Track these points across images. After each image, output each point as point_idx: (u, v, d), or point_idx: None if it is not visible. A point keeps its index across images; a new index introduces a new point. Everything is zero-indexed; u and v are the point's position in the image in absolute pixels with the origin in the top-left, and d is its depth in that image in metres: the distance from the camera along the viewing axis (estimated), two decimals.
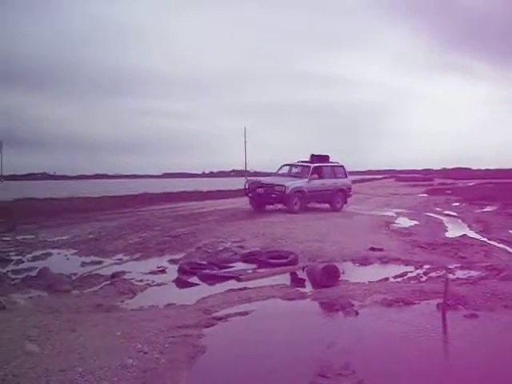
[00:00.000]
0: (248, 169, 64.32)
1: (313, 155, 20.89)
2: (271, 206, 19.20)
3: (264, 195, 18.57)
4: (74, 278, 7.95)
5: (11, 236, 13.51)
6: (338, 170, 20.83)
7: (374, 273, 8.06)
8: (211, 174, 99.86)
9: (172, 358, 4.38)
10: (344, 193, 20.53)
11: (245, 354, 4.62)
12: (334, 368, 4.07)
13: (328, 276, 7.24)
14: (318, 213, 17.93)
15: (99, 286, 7.44)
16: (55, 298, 6.61)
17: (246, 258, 9.19)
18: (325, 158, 20.85)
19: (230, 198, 27.83)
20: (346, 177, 21.19)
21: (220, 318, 5.54)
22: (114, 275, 8.01)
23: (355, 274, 7.82)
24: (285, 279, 7.69)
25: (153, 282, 7.79)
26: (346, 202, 20.74)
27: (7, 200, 25.73)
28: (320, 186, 19.41)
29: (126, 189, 35.60)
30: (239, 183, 30.39)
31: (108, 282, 7.61)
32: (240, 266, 8.77)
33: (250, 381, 4.04)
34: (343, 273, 7.52)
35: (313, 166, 19.69)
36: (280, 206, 18.85)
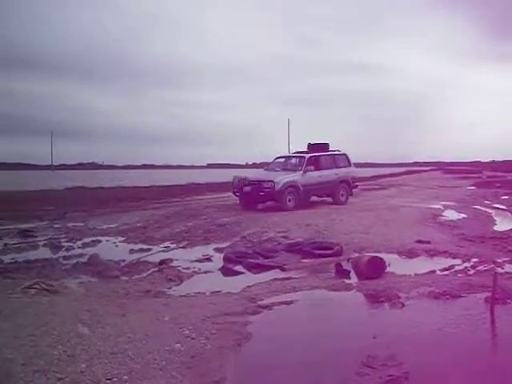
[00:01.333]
0: None
1: (310, 144, 19.12)
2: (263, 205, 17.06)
3: (252, 194, 16.47)
4: (122, 264, 8.17)
5: (62, 223, 13.95)
6: (340, 159, 18.73)
7: (420, 265, 7.95)
8: (254, 165, 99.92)
9: (218, 344, 4.45)
10: (348, 184, 18.46)
11: (290, 343, 4.65)
12: (380, 359, 4.06)
13: (373, 268, 7.19)
14: (363, 204, 17.65)
15: (147, 273, 7.62)
16: (105, 284, 6.80)
17: (291, 248, 9.21)
18: (324, 147, 18.82)
19: None
20: (350, 165, 19.04)
21: (265, 307, 5.59)
22: (161, 262, 8.19)
23: (401, 267, 7.74)
24: (330, 270, 7.68)
25: (199, 269, 7.93)
26: (351, 194, 18.77)
27: (58, 189, 26.49)
28: (318, 179, 17.46)
29: (172, 179, 36.00)
30: None
31: (156, 269, 7.79)
32: (284, 255, 8.80)
33: (295, 369, 4.07)
34: (389, 265, 7.44)
35: (308, 156, 17.69)
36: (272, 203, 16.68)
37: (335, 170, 18.22)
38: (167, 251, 9.55)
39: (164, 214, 15.33)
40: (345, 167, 18.67)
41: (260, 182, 16.58)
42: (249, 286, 6.65)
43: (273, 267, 7.88)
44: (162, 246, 10.21)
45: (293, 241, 9.86)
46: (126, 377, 3.67)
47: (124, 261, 8.41)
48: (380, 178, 43.22)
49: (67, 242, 10.74)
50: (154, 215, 14.97)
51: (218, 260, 8.61)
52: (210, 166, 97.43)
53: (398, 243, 9.62)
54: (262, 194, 16.25)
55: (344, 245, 9.23)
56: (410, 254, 8.86)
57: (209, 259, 8.75)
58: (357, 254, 8.39)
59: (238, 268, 7.97)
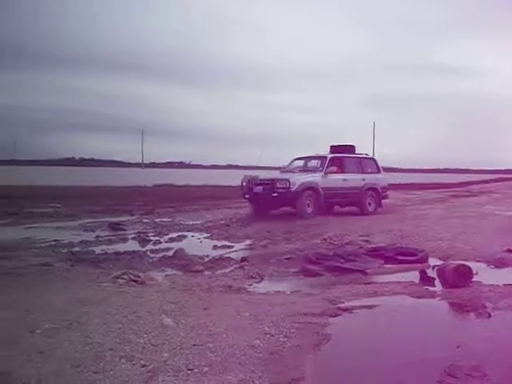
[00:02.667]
0: None
1: (332, 146, 17.07)
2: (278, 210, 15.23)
3: (263, 195, 14.33)
4: (206, 259, 8.37)
5: (150, 218, 14.53)
6: (368, 164, 16.91)
7: (509, 276, 7.61)
8: None
9: (297, 343, 4.47)
10: (376, 192, 16.55)
11: (369, 347, 4.59)
12: (464, 369, 3.93)
13: (460, 276, 6.94)
14: (451, 211, 17.03)
15: (229, 269, 7.76)
16: (189, 278, 6.99)
17: (373, 253, 9.07)
18: (349, 149, 16.89)
19: None
20: (379, 172, 17.10)
21: (345, 309, 5.54)
22: (243, 259, 8.32)
23: (489, 276, 7.41)
24: (413, 277, 7.49)
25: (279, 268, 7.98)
26: (380, 205, 16.76)
27: (148, 186, 27.50)
28: (342, 183, 15.51)
29: None
30: None
31: (238, 266, 7.93)
32: (366, 260, 8.68)
33: (373, 373, 4.02)
34: (476, 274, 7.17)
35: (330, 156, 15.80)
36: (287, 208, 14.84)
37: (362, 176, 16.41)
38: (249, 249, 9.71)
39: (248, 212, 15.56)
40: (373, 173, 16.84)
41: (273, 181, 14.48)
42: (329, 288, 6.61)
43: (354, 271, 7.79)
44: (243, 243, 10.38)
45: (375, 245, 9.71)
46: (206, 368, 3.76)
47: (207, 256, 8.63)
48: (470, 185, 41.61)
49: (155, 236, 11.16)
50: (237, 214, 15.26)
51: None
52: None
53: (487, 252, 9.23)
54: (275, 195, 14.05)
55: (429, 251, 8.98)
56: (499, 263, 8.47)
57: (289, 259, 8.78)
58: (443, 262, 8.13)
59: (319, 269, 7.95)
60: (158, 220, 14.11)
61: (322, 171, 15.14)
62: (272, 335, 4.57)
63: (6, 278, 6.42)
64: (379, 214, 15.62)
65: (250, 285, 6.78)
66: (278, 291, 6.42)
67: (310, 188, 14.49)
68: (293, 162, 16.78)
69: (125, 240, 10.66)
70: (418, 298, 6.23)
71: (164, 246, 9.88)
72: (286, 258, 8.78)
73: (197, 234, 11.60)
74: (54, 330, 4.18)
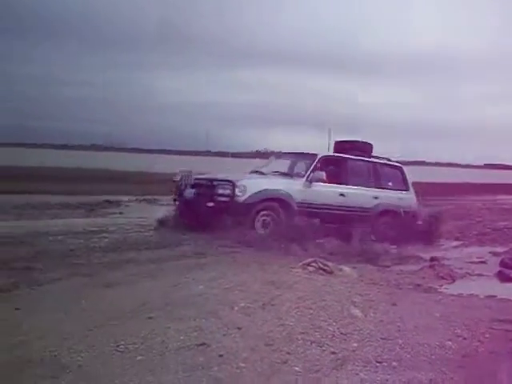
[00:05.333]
0: None
1: (338, 142, 11.47)
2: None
3: (194, 203, 9.34)
4: (394, 255, 8.28)
5: None
6: (388, 174, 11.19)
7: None
8: None
9: (491, 349, 4.22)
10: (397, 218, 10.61)
11: None
12: None
13: None
14: None
15: (418, 267, 7.58)
16: (376, 272, 6.99)
17: None
18: (361, 148, 11.08)
19: None
20: (407, 189, 11.22)
21: None
22: (432, 258, 8.07)
23: None
24: None
25: (472, 271, 7.60)
26: (407, 241, 9.82)
27: None
28: (335, 199, 9.95)
29: (446, 177, 34.83)
30: None
31: (427, 264, 7.70)
32: None
33: None
34: None
35: (321, 155, 10.27)
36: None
37: (374, 191, 10.68)
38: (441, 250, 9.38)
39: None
40: (395, 190, 11.02)
41: (212, 182, 9.55)
42: None
43: None
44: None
45: None
46: (395, 363, 3.73)
47: (395, 252, 8.53)
48: None
49: None
50: None
51: (494, 264, 8.12)
52: (487, 166, 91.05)
53: None
54: (210, 205, 8.96)
55: None
56: None
57: (483, 262, 8.32)
58: None
59: None
60: None
61: (303, 177, 9.87)
62: (464, 338, 4.38)
63: (204, 256, 6.97)
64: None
65: (441, 285, 6.57)
66: (471, 294, 6.12)
67: (272, 200, 9.33)
68: (270, 161, 11.54)
69: None
70: None
71: None
72: (480, 261, 8.33)
73: None
74: (250, 309, 4.46)
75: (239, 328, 3.99)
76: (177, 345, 3.58)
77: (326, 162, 10.32)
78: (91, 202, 14.32)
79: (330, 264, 6.35)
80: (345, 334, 4.13)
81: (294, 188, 9.55)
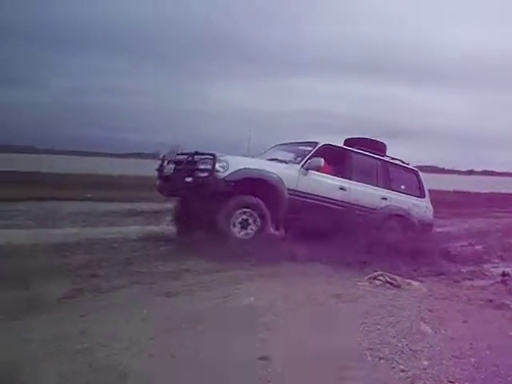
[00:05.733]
0: None
1: (348, 139, 10.35)
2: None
3: (173, 177, 8.50)
4: (463, 270, 7.98)
5: None
6: (401, 177, 10.33)
7: None
8: None
9: None
10: (407, 224, 9.71)
11: None
12: None
13: None
14: None
15: (489, 282, 7.27)
16: (445, 286, 6.71)
17: None
18: (373, 146, 10.15)
19: None
20: (421, 196, 10.41)
21: None
22: (504, 274, 7.73)
23: None
24: None
25: None
26: (415, 259, 8.10)
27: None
28: (335, 192, 9.05)
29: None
30: None
31: (498, 280, 7.38)
32: None
33: None
34: None
35: (321, 144, 9.27)
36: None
37: (382, 191, 9.74)
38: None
39: (507, 223, 14.47)
40: (407, 194, 10.12)
41: (193, 157, 8.39)
42: None
43: None
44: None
45: None
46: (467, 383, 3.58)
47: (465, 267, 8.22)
48: None
49: None
50: (497, 224, 14.28)
51: None
52: None
53: None
54: (188, 180, 8.02)
55: None
56: None
57: None
58: None
59: None
60: None
61: (299, 163, 8.88)
62: None
63: (266, 266, 6.87)
64: None
65: None
66: None
67: (261, 182, 8.25)
68: (270, 149, 10.25)
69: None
70: None
71: None
72: None
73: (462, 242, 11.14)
74: (314, 323, 4.38)
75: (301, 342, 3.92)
76: (236, 358, 3.56)
77: (328, 151, 9.30)
78: (145, 210, 14.48)
79: (397, 278, 6.18)
80: (415, 351, 3.97)
81: (286, 173, 8.58)
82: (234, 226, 8.00)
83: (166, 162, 8.87)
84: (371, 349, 3.88)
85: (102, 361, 3.43)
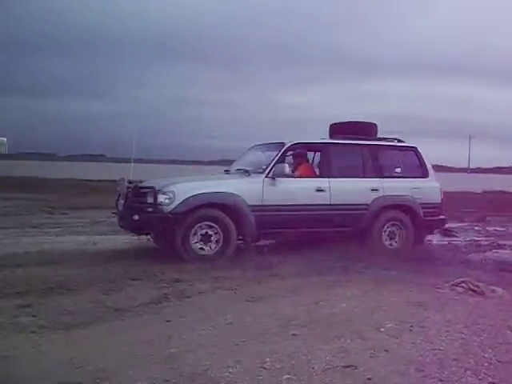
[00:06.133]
0: None
1: (334, 125, 9.47)
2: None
3: (124, 214, 7.98)
4: None
5: (481, 226, 13.87)
6: (395, 158, 9.20)
7: None
8: None
9: None
10: (412, 215, 8.77)
11: None
12: None
13: None
14: None
15: None
16: None
17: None
18: (362, 129, 9.14)
19: None
20: (425, 176, 9.14)
21: None
22: None
23: None
24: None
25: None
26: (421, 241, 9.01)
27: (476, 192, 26.27)
28: (312, 196, 8.19)
29: None
30: None
31: None
32: None
33: None
34: None
35: (289, 144, 8.38)
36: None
37: (372, 181, 8.63)
38: None
39: None
40: (405, 177, 8.99)
41: (139, 190, 7.99)
42: None
43: None
44: None
45: None
46: None
47: None
48: None
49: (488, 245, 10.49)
50: None
51: None
52: None
53: None
54: (136, 218, 7.45)
55: None
56: None
57: None
58: None
59: None
60: (491, 229, 13.34)
61: (263, 172, 8.02)
62: None
63: (334, 272, 6.80)
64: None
65: None
66: None
67: (215, 206, 7.66)
68: (244, 154, 9.54)
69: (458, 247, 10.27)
70: None
71: (503, 257, 9.21)
72: None
73: None
74: (397, 330, 4.29)
75: (386, 350, 3.84)
76: (323, 365, 3.52)
77: (299, 150, 8.68)
78: None
79: (480, 284, 5.95)
80: (503, 363, 3.82)
81: (248, 188, 7.83)
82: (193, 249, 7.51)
83: (118, 196, 8.23)
84: (456, 359, 3.76)
85: (189, 367, 3.50)
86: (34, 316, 4.76)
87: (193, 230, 7.44)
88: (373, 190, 8.50)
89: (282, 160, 8.12)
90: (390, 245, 8.70)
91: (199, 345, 3.94)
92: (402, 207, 8.76)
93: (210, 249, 7.54)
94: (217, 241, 7.55)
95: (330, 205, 8.16)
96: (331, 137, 9.24)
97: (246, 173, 8.25)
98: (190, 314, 4.91)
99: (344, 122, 9.34)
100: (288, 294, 5.60)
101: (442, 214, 9.21)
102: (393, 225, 8.68)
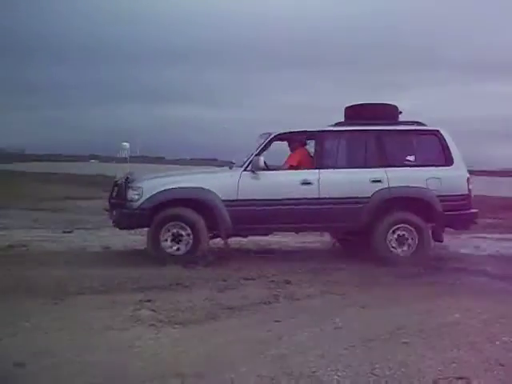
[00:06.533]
0: None
1: (349, 108, 8.36)
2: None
3: (110, 210, 7.84)
4: None
5: None
6: (412, 144, 7.93)
7: None
8: None
9: None
10: (427, 211, 7.58)
11: None
12: None
13: None
14: None
15: None
16: None
17: None
18: (377, 111, 8.11)
19: None
20: (449, 163, 7.72)
21: None
22: None
23: None
24: None
25: None
26: (440, 240, 7.84)
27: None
28: (297, 189, 7.47)
29: None
30: None
31: None
32: None
33: None
34: None
35: (274, 134, 7.74)
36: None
37: (374, 171, 7.61)
38: None
39: None
40: (421, 166, 7.77)
41: (116, 186, 7.83)
42: None
43: None
44: None
45: None
46: None
47: None
48: None
49: None
50: None
51: None
52: None
53: None
54: (114, 214, 7.56)
55: None
56: None
57: None
58: None
59: None
60: None
61: (241, 165, 7.61)
62: None
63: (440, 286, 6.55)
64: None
65: None
66: None
67: (186, 202, 7.35)
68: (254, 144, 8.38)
69: None
70: None
71: None
72: None
73: None
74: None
75: (502, 365, 3.69)
76: (434, 375, 3.46)
77: (287, 140, 8.14)
78: None
79: None
80: None
81: (220, 182, 7.48)
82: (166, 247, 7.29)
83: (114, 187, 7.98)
84: None
85: (297, 368, 3.58)
86: (153, 310, 5.05)
87: (164, 228, 7.27)
88: (374, 181, 7.55)
89: (261, 151, 7.65)
90: (398, 241, 7.59)
91: (308, 347, 4.01)
92: (414, 200, 7.69)
93: (178, 249, 7.30)
94: (187, 240, 7.29)
95: (318, 199, 7.48)
96: (346, 121, 8.37)
97: (232, 166, 8.05)
98: (299, 316, 4.97)
99: (359, 105, 8.41)
100: (394, 302, 5.51)
101: (472, 208, 7.93)
102: (397, 222, 7.59)
